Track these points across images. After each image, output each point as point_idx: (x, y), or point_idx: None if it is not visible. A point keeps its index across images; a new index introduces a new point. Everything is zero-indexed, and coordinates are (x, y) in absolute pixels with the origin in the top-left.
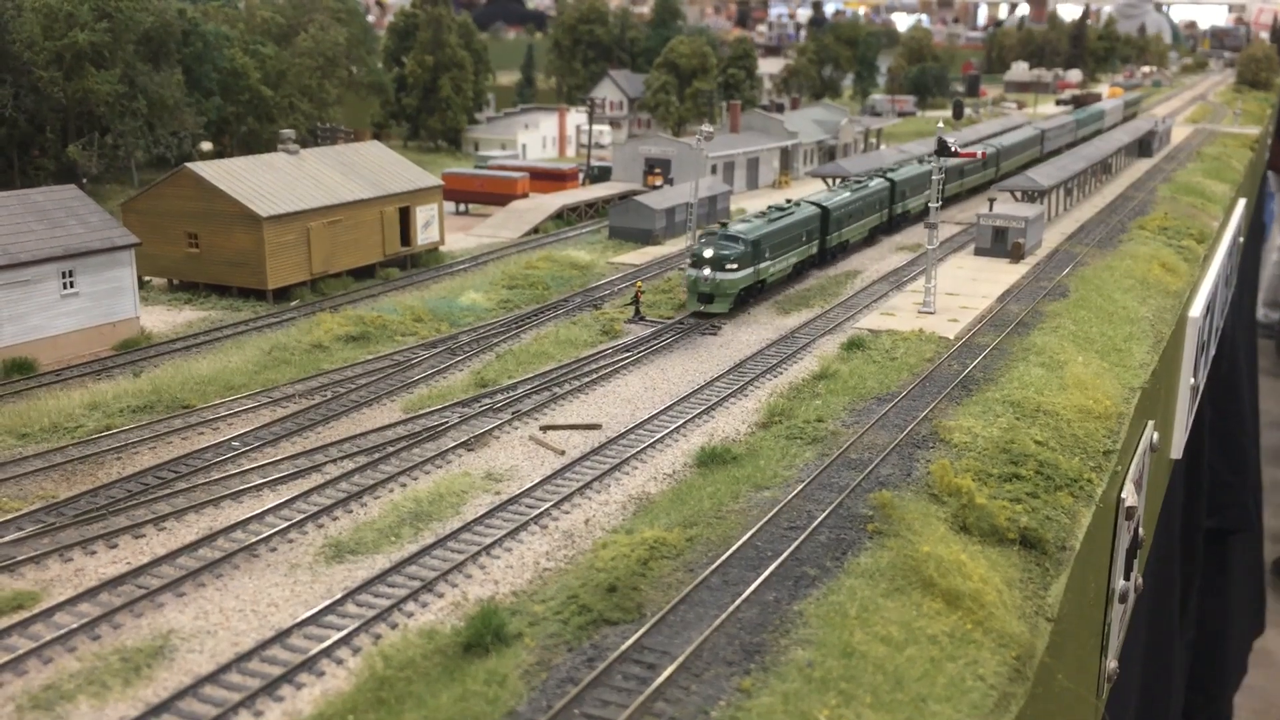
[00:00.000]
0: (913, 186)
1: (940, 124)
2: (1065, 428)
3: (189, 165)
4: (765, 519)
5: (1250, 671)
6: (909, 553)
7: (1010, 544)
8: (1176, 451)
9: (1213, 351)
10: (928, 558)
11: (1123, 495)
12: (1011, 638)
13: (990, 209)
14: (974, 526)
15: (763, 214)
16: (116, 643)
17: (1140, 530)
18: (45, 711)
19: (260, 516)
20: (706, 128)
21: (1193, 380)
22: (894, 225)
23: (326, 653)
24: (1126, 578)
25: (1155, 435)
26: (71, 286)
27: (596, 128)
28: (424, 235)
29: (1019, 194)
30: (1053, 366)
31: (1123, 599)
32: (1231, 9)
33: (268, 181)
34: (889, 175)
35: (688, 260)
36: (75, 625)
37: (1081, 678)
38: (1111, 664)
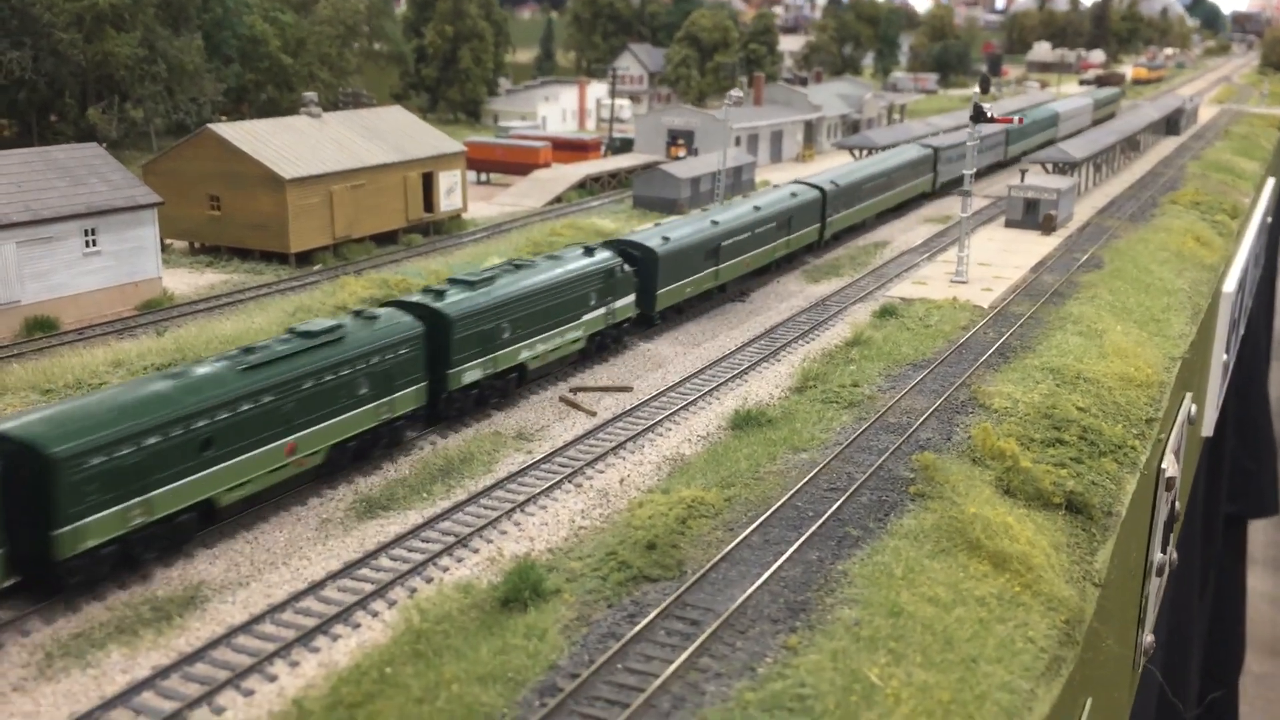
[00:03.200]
0: (549, 309)
1: (976, 90)
2: (1107, 395)
3: (211, 126)
4: (804, 480)
5: (1266, 660)
6: (954, 514)
7: (1056, 508)
8: (1208, 429)
9: (1242, 331)
10: (974, 519)
11: (1163, 466)
12: (1060, 601)
13: (1022, 180)
14: (1019, 490)
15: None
16: (146, 593)
17: (1177, 504)
18: (76, 659)
19: None
20: (736, 93)
21: (1225, 357)
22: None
23: (361, 605)
24: (1163, 551)
25: (1193, 408)
26: (94, 245)
27: (617, 101)
28: (447, 202)
29: (1050, 166)
30: (1091, 335)
31: (1159, 572)
32: None
33: (290, 144)
34: (486, 282)
35: None
36: (103, 575)
37: (1122, 650)
38: (1148, 638)
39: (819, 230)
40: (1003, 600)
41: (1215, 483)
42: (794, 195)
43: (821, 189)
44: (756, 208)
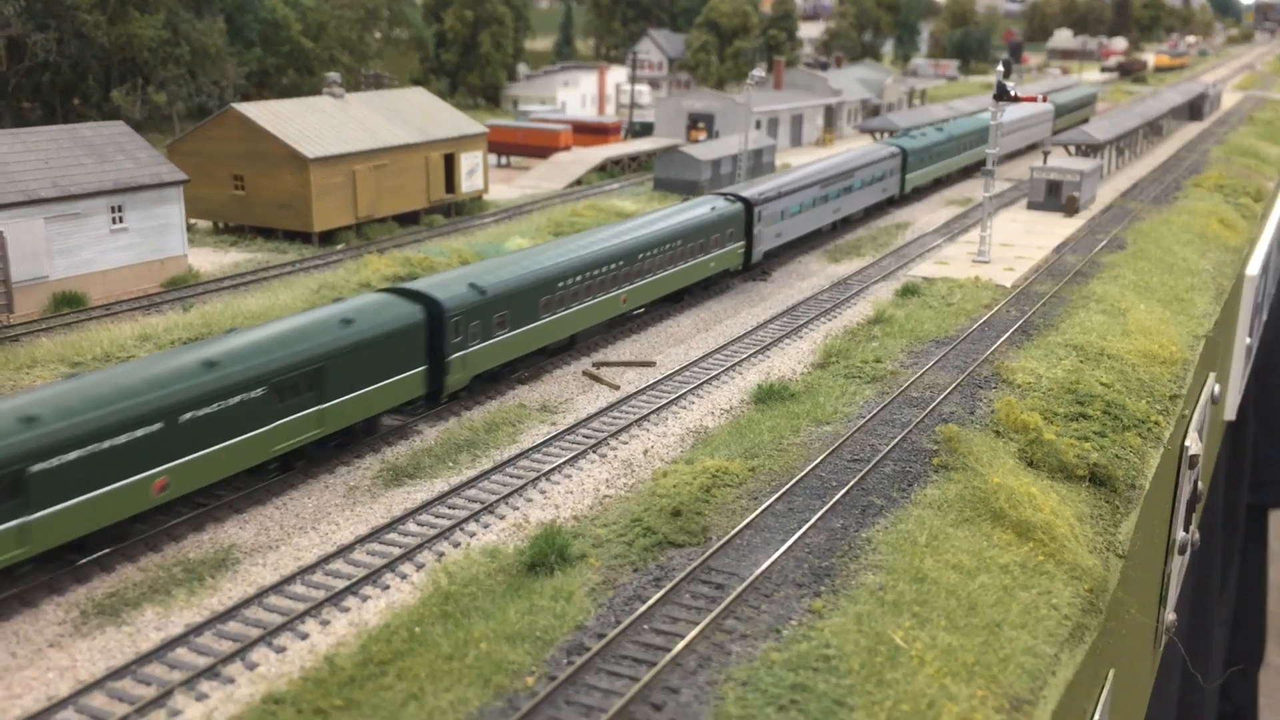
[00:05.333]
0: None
1: (1000, 66)
2: (1130, 371)
3: (235, 106)
4: (828, 451)
5: None
6: (978, 484)
7: (1079, 480)
8: (1231, 413)
9: (1265, 316)
10: (998, 489)
11: (1186, 443)
12: (1084, 571)
13: (1044, 162)
14: (1042, 462)
15: None
16: (178, 555)
17: (1200, 483)
18: (111, 617)
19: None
20: (758, 73)
21: (1248, 340)
22: None
23: (390, 568)
24: (1185, 529)
25: (1216, 387)
26: (121, 221)
27: (636, 87)
28: (468, 183)
29: (1073, 148)
30: (1114, 313)
31: (1181, 550)
32: None
33: (314, 124)
34: None
35: None
36: (135, 537)
37: (1145, 623)
38: (1170, 615)
39: (425, 378)
40: (1026, 568)
41: (1238, 470)
42: (346, 323)
43: (436, 304)
44: (211, 364)
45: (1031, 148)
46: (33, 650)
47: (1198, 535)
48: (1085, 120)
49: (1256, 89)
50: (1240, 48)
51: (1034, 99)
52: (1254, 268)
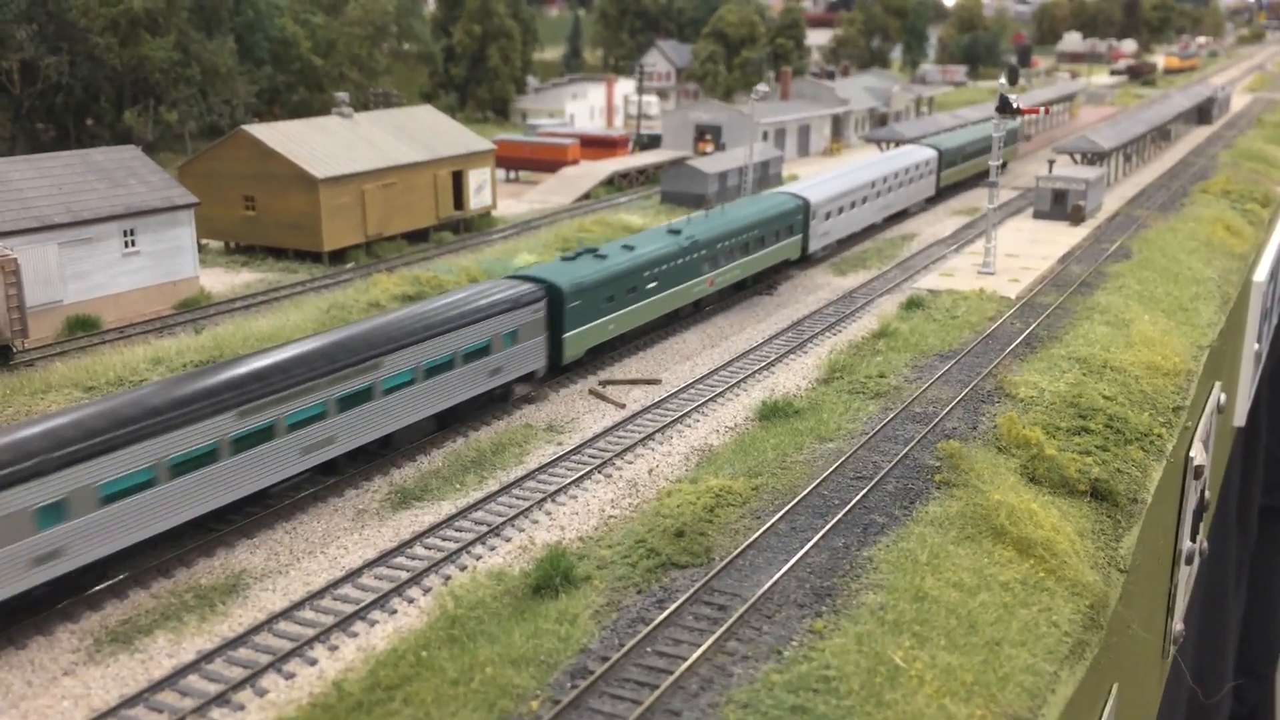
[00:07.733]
0: None
1: (1002, 80)
2: (1133, 383)
3: (245, 128)
4: (831, 469)
5: None
6: (979, 501)
7: (1081, 495)
8: (1240, 419)
9: (1275, 321)
10: (999, 506)
11: (1191, 454)
12: (1085, 587)
13: (1050, 171)
14: (1044, 477)
15: None
16: (190, 581)
17: (1207, 492)
18: (124, 644)
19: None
20: (762, 87)
21: (1256, 346)
22: None
23: (398, 591)
24: (1193, 539)
25: (1222, 397)
26: (133, 245)
27: (644, 98)
28: (476, 199)
29: (1079, 156)
30: (1118, 324)
31: (1189, 560)
32: None
33: (323, 144)
34: None
35: None
36: (149, 564)
37: (1150, 636)
38: (1178, 626)
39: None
40: (1027, 585)
41: (1250, 474)
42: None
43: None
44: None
45: (899, 216)
46: (48, 678)
47: (1206, 544)
48: (1005, 164)
49: (1266, 90)
50: (1251, 48)
51: (1037, 111)
52: (1261, 274)
